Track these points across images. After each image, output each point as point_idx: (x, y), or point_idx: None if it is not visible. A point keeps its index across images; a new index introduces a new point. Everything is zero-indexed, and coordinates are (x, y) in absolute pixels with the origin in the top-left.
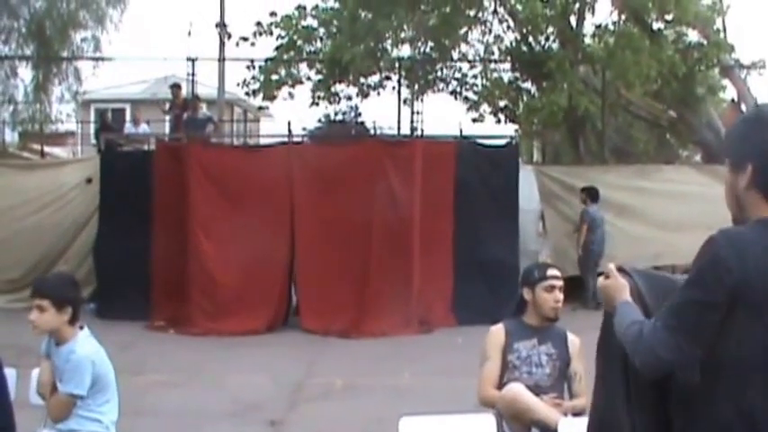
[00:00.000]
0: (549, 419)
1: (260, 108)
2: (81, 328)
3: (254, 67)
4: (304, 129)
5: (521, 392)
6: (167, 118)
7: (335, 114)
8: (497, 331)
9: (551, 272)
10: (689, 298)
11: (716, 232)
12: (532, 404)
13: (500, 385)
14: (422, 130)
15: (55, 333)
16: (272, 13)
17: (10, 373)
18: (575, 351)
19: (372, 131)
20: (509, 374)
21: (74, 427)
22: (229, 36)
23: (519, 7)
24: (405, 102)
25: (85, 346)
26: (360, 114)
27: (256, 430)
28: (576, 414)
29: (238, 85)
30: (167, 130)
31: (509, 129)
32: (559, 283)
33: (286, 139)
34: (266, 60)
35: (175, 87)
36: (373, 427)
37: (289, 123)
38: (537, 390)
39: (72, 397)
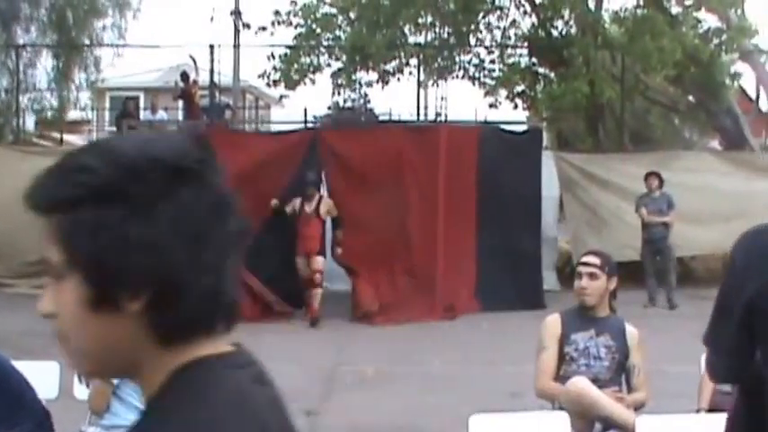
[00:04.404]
0: (614, 415)
1: (281, 98)
2: None
3: (273, 57)
4: (314, 117)
5: (586, 387)
6: (180, 105)
7: (345, 101)
8: (553, 321)
9: (582, 258)
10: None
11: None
12: (598, 399)
13: (557, 377)
14: (445, 116)
15: None
16: (293, 2)
17: (53, 367)
18: (633, 343)
19: (387, 118)
20: (566, 367)
21: (117, 422)
22: (246, 26)
23: None
24: (422, 88)
25: None
26: (369, 101)
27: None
28: (637, 408)
29: (259, 76)
30: (180, 116)
31: (522, 115)
32: (587, 269)
33: (304, 126)
34: (287, 48)
35: (184, 75)
36: (410, 415)
37: (305, 110)
38: (596, 383)
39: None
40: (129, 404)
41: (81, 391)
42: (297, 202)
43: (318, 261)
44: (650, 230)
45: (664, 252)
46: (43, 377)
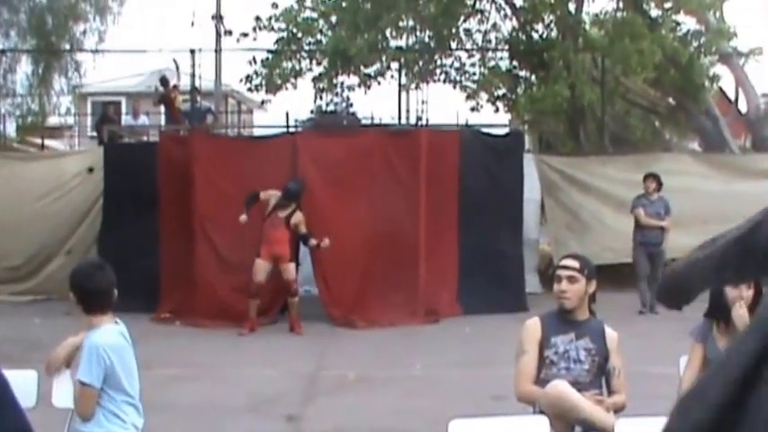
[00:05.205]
0: (594, 418)
1: (263, 102)
2: (116, 323)
3: (255, 62)
4: (296, 120)
5: (566, 390)
6: (162, 110)
7: (327, 105)
8: (533, 324)
9: (561, 262)
10: None
11: None
12: (578, 402)
13: (537, 380)
14: (427, 120)
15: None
16: (274, 5)
17: (31, 375)
18: (613, 346)
19: (369, 122)
20: (546, 370)
21: (96, 430)
22: (228, 32)
23: None
24: (404, 91)
25: (102, 336)
26: (351, 105)
27: (275, 425)
28: (617, 411)
29: (241, 81)
30: (163, 121)
31: (503, 118)
32: (565, 272)
33: (286, 130)
34: (269, 52)
35: (164, 80)
36: (392, 419)
37: (287, 115)
38: (576, 386)
39: (82, 385)
40: (110, 412)
41: (59, 399)
42: (275, 193)
43: (291, 269)
44: (645, 233)
45: (657, 256)
46: (21, 385)
